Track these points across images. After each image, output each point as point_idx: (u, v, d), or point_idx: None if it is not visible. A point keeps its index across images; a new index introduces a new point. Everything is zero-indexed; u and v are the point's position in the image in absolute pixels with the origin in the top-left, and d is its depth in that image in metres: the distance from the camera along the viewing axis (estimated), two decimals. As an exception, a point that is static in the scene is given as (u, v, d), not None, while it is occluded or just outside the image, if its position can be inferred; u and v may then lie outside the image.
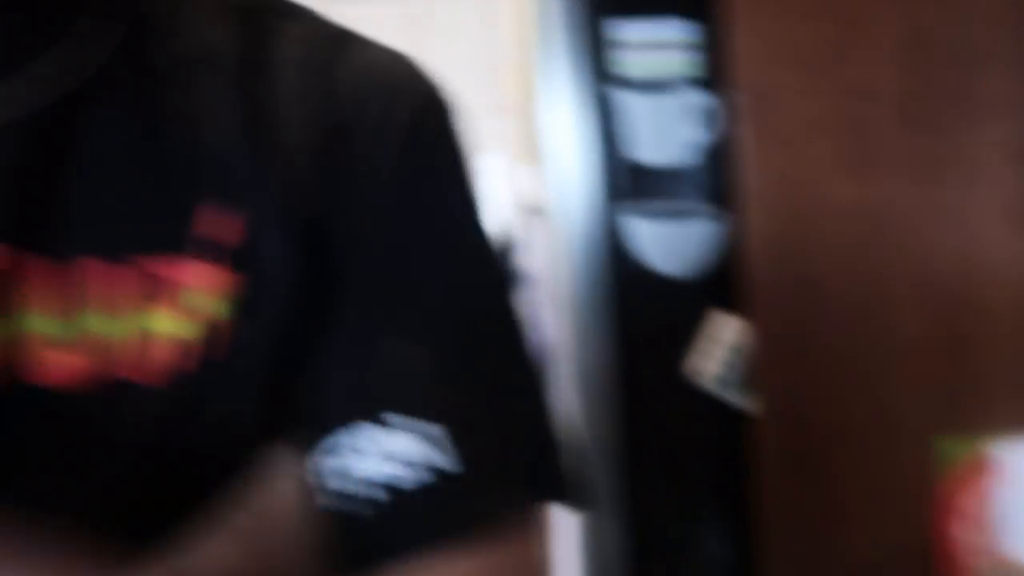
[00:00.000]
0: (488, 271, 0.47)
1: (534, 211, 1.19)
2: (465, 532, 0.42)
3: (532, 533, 0.46)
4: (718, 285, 1.13)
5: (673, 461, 1.14)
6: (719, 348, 1.11)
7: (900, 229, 1.11)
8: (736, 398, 1.12)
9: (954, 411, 1.10)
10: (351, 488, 0.40)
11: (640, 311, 1.14)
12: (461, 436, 0.41)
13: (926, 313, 1.10)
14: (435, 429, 0.41)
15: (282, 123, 0.42)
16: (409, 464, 0.41)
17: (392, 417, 0.41)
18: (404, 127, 0.43)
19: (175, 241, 0.39)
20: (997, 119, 1.11)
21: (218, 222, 0.39)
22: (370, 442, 0.40)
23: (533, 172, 1.19)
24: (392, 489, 0.40)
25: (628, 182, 1.14)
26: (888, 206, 1.12)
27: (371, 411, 0.41)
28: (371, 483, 0.40)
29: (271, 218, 0.40)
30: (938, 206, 1.11)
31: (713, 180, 1.14)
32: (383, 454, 0.41)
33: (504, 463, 0.44)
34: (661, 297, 1.14)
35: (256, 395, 0.41)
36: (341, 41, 0.45)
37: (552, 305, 1.15)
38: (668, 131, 1.13)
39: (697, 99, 1.14)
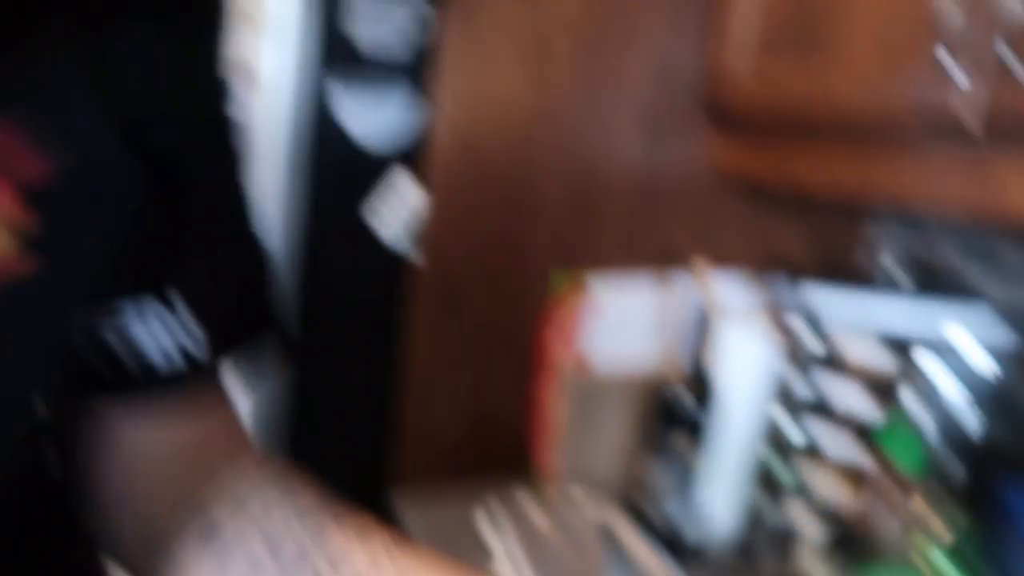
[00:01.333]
0: (229, 150, 0.52)
1: (250, 71, 1.23)
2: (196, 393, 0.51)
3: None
4: (411, 160, 1.31)
5: (344, 301, 1.34)
6: (402, 209, 1.31)
7: (560, 126, 1.36)
8: (406, 250, 1.33)
9: (575, 259, 1.41)
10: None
11: (336, 170, 1.29)
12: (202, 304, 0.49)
13: (566, 188, 1.39)
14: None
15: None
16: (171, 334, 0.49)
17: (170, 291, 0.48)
18: None
19: None
20: (646, 49, 1.38)
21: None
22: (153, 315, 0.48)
23: (253, 35, 1.23)
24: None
25: (342, 55, 1.24)
26: (554, 108, 1.35)
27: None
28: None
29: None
30: (591, 111, 1.37)
31: (418, 72, 1.29)
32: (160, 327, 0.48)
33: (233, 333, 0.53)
34: (359, 162, 1.29)
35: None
36: None
37: (260, 156, 1.24)
38: (387, 21, 1.23)
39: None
